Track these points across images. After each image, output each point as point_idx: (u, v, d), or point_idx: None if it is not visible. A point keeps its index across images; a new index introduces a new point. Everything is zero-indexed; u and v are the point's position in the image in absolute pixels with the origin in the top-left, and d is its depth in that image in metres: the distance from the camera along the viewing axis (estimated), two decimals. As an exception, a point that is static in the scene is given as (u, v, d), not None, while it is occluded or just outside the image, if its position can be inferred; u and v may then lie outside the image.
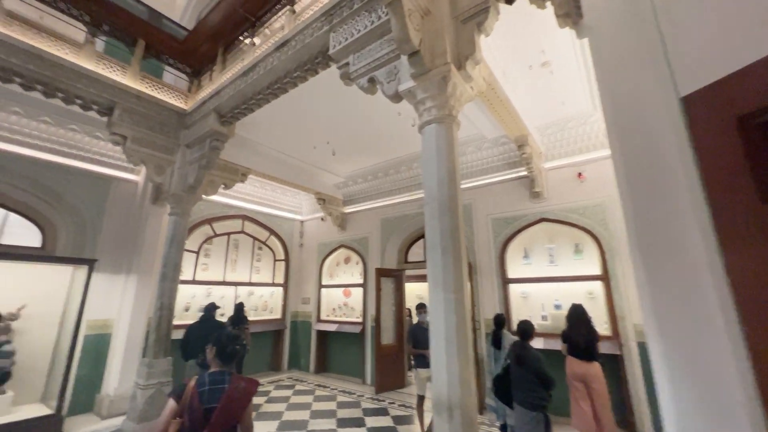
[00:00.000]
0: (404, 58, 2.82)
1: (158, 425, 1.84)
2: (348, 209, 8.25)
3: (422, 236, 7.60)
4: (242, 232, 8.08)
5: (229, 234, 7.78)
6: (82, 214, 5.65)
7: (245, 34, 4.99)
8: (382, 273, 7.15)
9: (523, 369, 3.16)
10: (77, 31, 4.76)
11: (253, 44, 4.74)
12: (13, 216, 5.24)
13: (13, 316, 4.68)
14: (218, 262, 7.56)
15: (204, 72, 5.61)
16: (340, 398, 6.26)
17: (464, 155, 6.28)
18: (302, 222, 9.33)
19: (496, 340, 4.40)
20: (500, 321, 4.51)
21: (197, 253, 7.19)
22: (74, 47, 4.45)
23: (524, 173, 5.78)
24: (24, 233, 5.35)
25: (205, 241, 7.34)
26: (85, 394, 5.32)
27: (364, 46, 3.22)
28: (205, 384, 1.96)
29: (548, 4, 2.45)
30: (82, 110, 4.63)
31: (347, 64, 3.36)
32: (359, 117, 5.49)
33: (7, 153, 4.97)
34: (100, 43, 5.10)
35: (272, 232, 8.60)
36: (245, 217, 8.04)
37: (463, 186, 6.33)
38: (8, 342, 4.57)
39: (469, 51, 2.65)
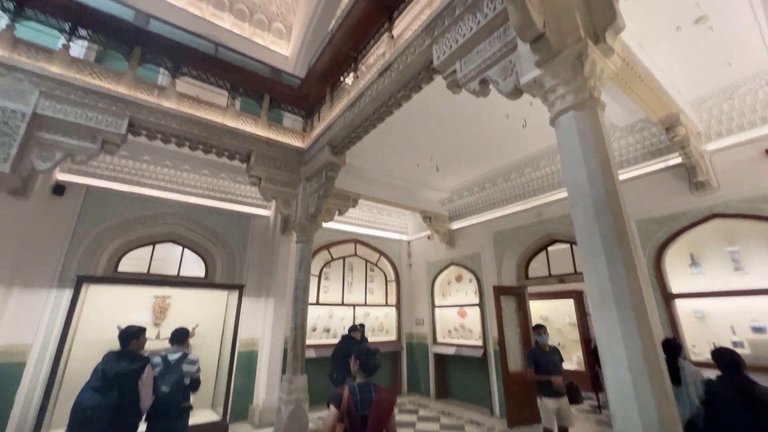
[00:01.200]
0: (521, 50, 2.56)
1: (326, 427, 2.08)
2: (455, 225, 7.96)
3: (543, 248, 6.78)
4: (355, 255, 8.52)
5: (344, 258, 8.29)
6: (231, 247, 6.72)
7: (350, 69, 5.38)
8: (501, 291, 6.57)
9: (759, 411, 2.29)
10: (219, 96, 5.84)
11: (357, 77, 5.07)
12: (187, 251, 6.54)
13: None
14: (336, 285, 8.07)
15: (316, 112, 6.24)
16: (469, 429, 5.78)
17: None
18: (409, 242, 9.39)
19: (672, 374, 3.45)
20: (673, 348, 3.53)
21: (319, 276, 7.82)
22: (220, 110, 5.44)
23: (677, 161, 4.68)
24: (193, 266, 6.61)
25: (324, 266, 7.95)
26: (240, 404, 6.10)
27: (470, 49, 3.07)
28: (357, 393, 2.21)
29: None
30: (228, 160, 5.55)
31: (454, 71, 3.25)
32: (461, 127, 5.29)
33: (181, 202, 6.29)
34: (237, 102, 6.14)
35: (382, 253, 8.85)
36: (357, 241, 8.49)
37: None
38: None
39: (608, 19, 2.24)
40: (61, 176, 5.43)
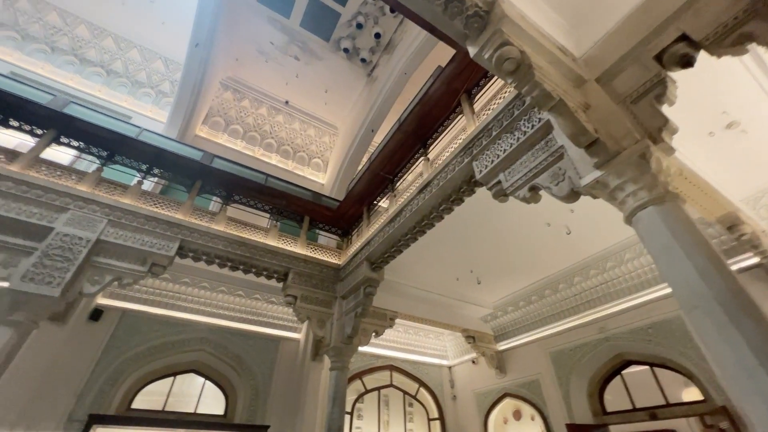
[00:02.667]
0: (574, 155, 2.64)
1: None
2: (502, 345, 7.08)
3: (617, 372, 5.73)
4: (391, 385, 7.46)
5: (378, 389, 7.25)
6: (256, 377, 6.06)
7: (387, 190, 5.74)
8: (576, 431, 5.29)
9: None
10: (260, 218, 6.20)
11: (395, 196, 5.35)
12: (207, 384, 5.90)
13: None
14: (371, 425, 6.83)
15: (353, 230, 6.43)
16: None
17: (623, 264, 5.15)
18: (450, 368, 8.28)
19: None
20: None
21: (351, 414, 6.70)
22: (263, 231, 5.68)
23: (752, 261, 4.24)
24: (212, 403, 5.86)
25: (357, 400, 6.91)
26: None
27: (513, 161, 3.22)
28: None
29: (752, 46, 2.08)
30: (266, 279, 5.50)
31: (498, 182, 3.34)
32: (502, 237, 5.20)
33: (211, 326, 6.02)
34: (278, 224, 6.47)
35: (421, 383, 7.73)
36: (392, 368, 7.55)
37: (642, 302, 4.99)
38: None
39: (659, 122, 2.30)
40: (101, 301, 5.44)
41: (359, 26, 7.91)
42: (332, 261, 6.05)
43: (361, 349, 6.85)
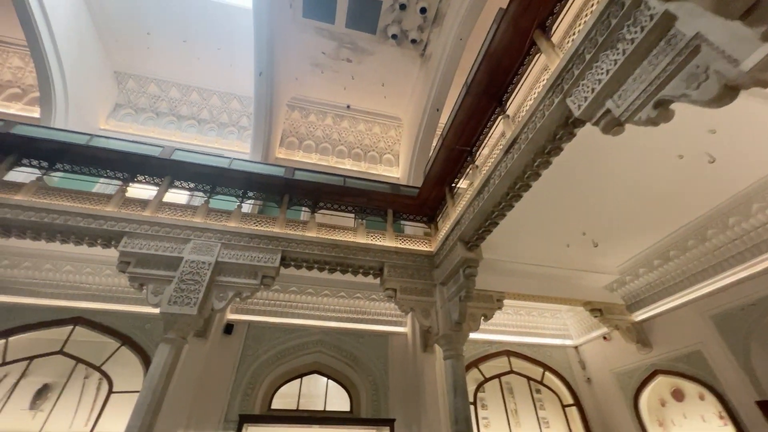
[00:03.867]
0: (715, 40, 1.97)
1: None
2: (640, 315, 5.99)
3: (823, 330, 4.32)
4: (511, 371, 6.93)
5: (498, 377, 6.79)
6: (373, 373, 6.18)
7: (466, 163, 5.34)
8: (774, 410, 4.11)
9: None
10: (346, 220, 6.31)
11: (477, 167, 4.92)
12: (331, 384, 6.22)
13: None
14: (498, 415, 6.41)
15: (438, 214, 6.15)
16: None
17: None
18: (576, 347, 7.36)
19: None
20: None
21: (474, 404, 6.39)
22: (351, 231, 5.77)
23: None
24: (338, 401, 6.15)
25: (477, 389, 6.56)
26: None
27: (622, 81, 2.59)
28: None
29: None
30: (363, 276, 5.56)
31: (607, 112, 2.74)
32: (616, 185, 4.35)
33: (323, 328, 6.36)
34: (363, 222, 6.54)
35: (545, 367, 7.02)
36: (509, 353, 7.01)
37: None
38: None
39: None
40: (230, 316, 6.17)
41: (402, 7, 7.63)
42: (424, 249, 5.86)
43: (472, 336, 6.52)
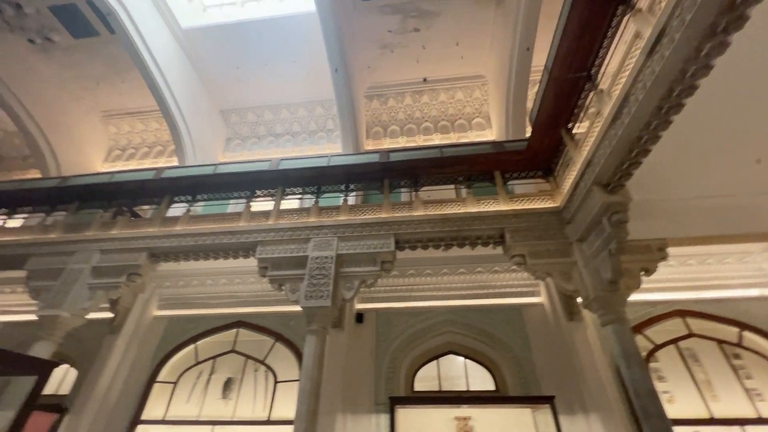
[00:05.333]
0: None
1: None
2: None
3: None
4: (691, 335, 5.59)
5: (674, 341, 5.55)
6: (512, 349, 5.71)
7: (583, 92, 4.41)
8: None
9: None
10: (449, 193, 5.91)
11: (601, 91, 3.99)
12: (469, 363, 5.97)
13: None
14: (683, 387, 5.23)
15: (555, 163, 5.29)
16: None
17: None
18: (787, 297, 5.55)
19: None
20: None
21: (646, 376, 5.34)
22: (459, 202, 5.35)
23: None
24: (480, 381, 5.85)
25: (648, 358, 5.47)
26: None
27: None
28: None
29: None
30: (483, 247, 5.12)
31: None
32: None
33: (448, 307, 6.14)
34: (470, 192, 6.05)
35: (741, 325, 5.46)
36: (683, 313, 5.67)
37: None
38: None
39: None
40: (359, 306, 6.42)
41: (464, -52, 6.81)
42: (547, 205, 5.10)
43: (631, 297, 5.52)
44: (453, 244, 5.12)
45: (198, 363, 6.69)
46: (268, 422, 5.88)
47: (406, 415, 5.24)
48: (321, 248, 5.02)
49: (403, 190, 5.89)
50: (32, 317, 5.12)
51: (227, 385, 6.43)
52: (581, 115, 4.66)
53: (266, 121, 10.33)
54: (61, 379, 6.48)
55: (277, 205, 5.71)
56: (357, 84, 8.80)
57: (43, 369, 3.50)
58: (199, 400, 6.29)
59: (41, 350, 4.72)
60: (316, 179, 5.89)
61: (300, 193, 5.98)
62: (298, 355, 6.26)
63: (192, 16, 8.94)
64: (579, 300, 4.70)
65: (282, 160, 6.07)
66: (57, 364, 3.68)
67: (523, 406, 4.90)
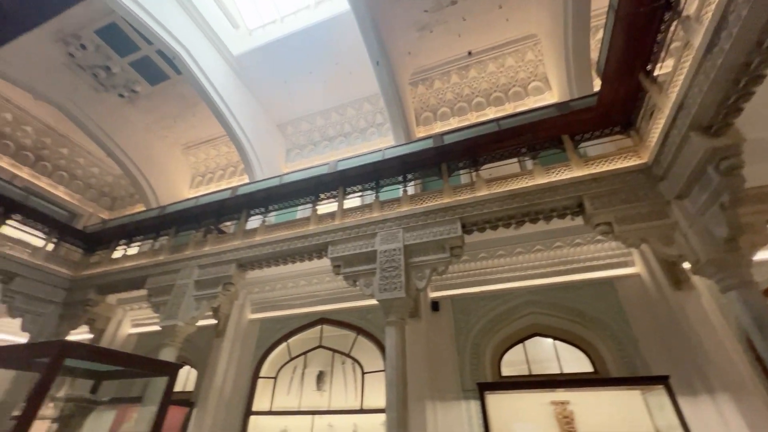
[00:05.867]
0: None
1: None
2: None
3: None
4: None
5: (824, 303, 4.52)
6: (608, 326, 5.20)
7: (662, 27, 3.77)
8: None
9: None
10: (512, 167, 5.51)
11: (687, 18, 3.36)
12: (559, 345, 5.58)
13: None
14: None
15: (635, 114, 4.63)
16: None
17: None
18: None
19: None
20: None
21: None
22: (526, 176, 4.98)
23: None
24: (574, 362, 5.44)
25: None
26: None
27: None
28: None
29: None
30: (560, 219, 4.71)
31: None
32: None
33: (529, 287, 5.79)
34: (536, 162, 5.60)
35: None
36: (833, 268, 4.60)
37: None
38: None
39: None
40: (432, 294, 6.39)
41: None
42: (631, 164, 4.50)
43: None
44: (524, 220, 4.80)
45: (291, 359, 7.29)
46: (361, 411, 6.19)
47: (496, 400, 5.09)
48: (388, 241, 5.08)
49: (462, 171, 5.68)
50: (157, 328, 6.04)
51: (320, 377, 6.91)
52: (662, 54, 3.99)
53: (319, 126, 10.74)
54: (186, 379, 7.56)
55: (341, 205, 5.90)
56: (400, 73, 8.68)
57: (171, 370, 4.10)
58: (297, 392, 6.87)
59: (167, 355, 5.55)
60: (373, 174, 5.95)
61: (360, 191, 6.11)
62: (380, 346, 6.46)
63: (240, 41, 9.62)
64: (686, 265, 4.09)
65: (339, 161, 6.25)
66: (181, 366, 4.29)
67: (631, 388, 4.43)
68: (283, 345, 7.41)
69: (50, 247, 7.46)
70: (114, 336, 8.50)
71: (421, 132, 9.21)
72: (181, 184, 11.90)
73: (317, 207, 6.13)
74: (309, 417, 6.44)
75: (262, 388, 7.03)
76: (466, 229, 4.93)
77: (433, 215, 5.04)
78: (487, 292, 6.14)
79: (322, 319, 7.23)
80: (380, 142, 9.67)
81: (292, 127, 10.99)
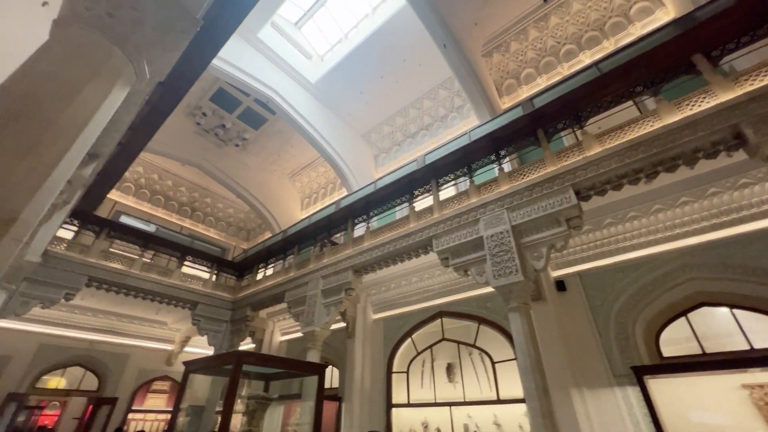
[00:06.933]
0: None
1: None
2: None
3: None
4: None
5: None
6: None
7: None
8: None
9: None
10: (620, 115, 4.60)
11: None
12: (740, 314, 4.46)
13: None
14: None
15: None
16: None
17: None
18: None
19: None
20: None
21: None
22: (649, 118, 4.13)
23: None
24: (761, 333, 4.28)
25: None
26: None
27: None
28: None
29: None
30: (706, 160, 3.78)
31: None
32: None
33: (679, 249, 4.78)
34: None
35: None
36: None
37: None
38: None
39: None
40: (554, 273, 5.82)
41: None
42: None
43: None
44: (658, 170, 4.00)
45: (418, 353, 7.55)
46: (498, 401, 6.01)
47: (661, 386, 4.35)
48: (493, 225, 4.83)
49: (564, 133, 5.05)
50: (299, 334, 6.98)
51: (449, 369, 6.97)
52: None
53: (399, 126, 10.92)
54: (330, 377, 8.54)
55: (436, 197, 5.86)
56: (470, 47, 8.19)
57: (320, 370, 4.68)
58: (429, 385, 7.06)
59: (313, 357, 6.36)
60: (463, 160, 5.75)
61: (453, 179, 5.97)
62: (505, 334, 6.18)
63: (315, 69, 10.48)
64: None
65: (425, 155, 6.23)
66: (326, 366, 4.89)
67: None
68: (408, 340, 7.72)
69: (213, 278, 9.36)
70: (270, 344, 10.15)
71: (506, 103, 8.52)
72: (293, 207, 13.57)
73: (414, 204, 6.22)
74: (446, 408, 6.55)
75: (397, 382, 7.45)
76: (581, 195, 4.35)
77: (539, 188, 4.60)
78: (623, 263, 5.30)
79: (441, 312, 7.29)
80: (464, 125, 9.31)
81: (376, 134, 11.43)
